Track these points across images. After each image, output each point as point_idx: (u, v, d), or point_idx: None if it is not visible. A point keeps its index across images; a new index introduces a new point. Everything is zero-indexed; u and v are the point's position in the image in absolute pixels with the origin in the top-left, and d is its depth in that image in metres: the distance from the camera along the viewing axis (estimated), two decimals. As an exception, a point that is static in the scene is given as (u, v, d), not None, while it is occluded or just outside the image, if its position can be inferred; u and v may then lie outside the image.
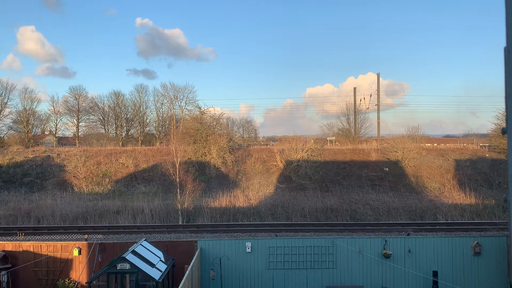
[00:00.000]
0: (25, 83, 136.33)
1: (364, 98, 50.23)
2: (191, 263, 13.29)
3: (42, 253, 15.67)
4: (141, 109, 70.67)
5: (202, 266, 15.33)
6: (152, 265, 12.81)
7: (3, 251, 15.56)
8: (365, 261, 15.58)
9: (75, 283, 15.45)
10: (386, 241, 15.73)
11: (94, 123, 65.64)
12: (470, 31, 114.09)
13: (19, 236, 18.39)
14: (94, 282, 13.34)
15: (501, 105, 41.19)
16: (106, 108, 69.11)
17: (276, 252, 15.58)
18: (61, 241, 16.89)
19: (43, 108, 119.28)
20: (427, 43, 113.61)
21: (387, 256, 15.45)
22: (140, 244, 13.88)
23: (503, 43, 1.91)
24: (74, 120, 63.29)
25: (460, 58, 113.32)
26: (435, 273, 15.16)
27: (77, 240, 17.30)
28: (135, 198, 30.29)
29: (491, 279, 15.56)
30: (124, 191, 32.71)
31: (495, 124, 41.00)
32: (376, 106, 45.41)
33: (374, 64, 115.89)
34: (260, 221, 25.54)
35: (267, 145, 42.49)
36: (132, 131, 67.42)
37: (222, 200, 28.80)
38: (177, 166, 27.10)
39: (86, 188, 33.04)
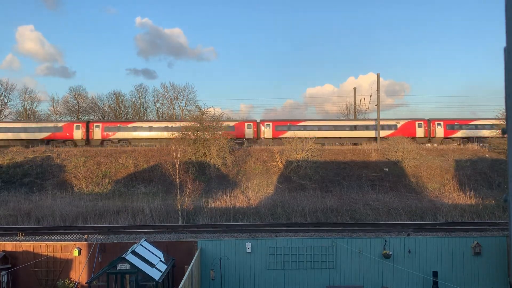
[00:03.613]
0: (24, 83, 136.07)
1: (364, 98, 50.23)
2: (191, 263, 13.29)
3: (42, 253, 15.67)
4: (141, 109, 70.83)
5: (202, 266, 15.33)
6: (152, 265, 12.81)
7: (3, 251, 15.55)
8: (365, 261, 15.58)
9: (75, 284, 15.45)
10: (386, 241, 15.73)
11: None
12: (470, 31, 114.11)
13: (19, 236, 18.39)
14: (94, 282, 13.34)
15: (501, 105, 41.18)
16: (106, 108, 69.29)
17: (276, 252, 15.58)
18: (61, 241, 16.89)
19: (43, 108, 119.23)
20: (428, 43, 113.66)
21: (387, 256, 15.45)
22: (140, 245, 13.88)
23: (503, 43, 1.91)
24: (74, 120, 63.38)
25: (461, 59, 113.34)
26: (435, 273, 15.16)
27: (77, 240, 17.30)
28: (135, 198, 30.28)
29: (491, 279, 15.56)
30: (124, 191, 32.69)
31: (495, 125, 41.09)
32: (376, 106, 45.38)
33: (374, 64, 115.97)
34: (260, 221, 25.53)
35: (267, 145, 42.47)
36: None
37: (222, 200, 28.79)
38: (177, 166, 27.10)
39: (86, 188, 33.04)
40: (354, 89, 62.48)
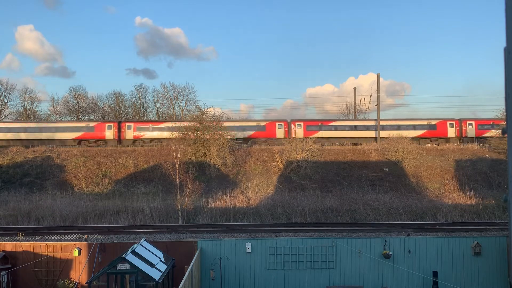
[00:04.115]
0: (24, 83, 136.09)
1: (364, 98, 50.28)
2: (191, 264, 13.29)
3: (42, 253, 15.67)
4: (141, 110, 70.82)
5: (202, 267, 15.33)
6: (152, 265, 12.81)
7: (3, 251, 15.56)
8: (365, 261, 15.58)
9: (75, 284, 15.45)
10: (386, 241, 15.73)
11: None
12: (470, 31, 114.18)
13: (19, 236, 18.38)
14: (94, 282, 13.34)
15: (501, 105, 41.22)
16: (106, 108, 69.25)
17: (276, 252, 15.58)
18: (61, 241, 16.89)
19: (43, 108, 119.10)
20: (428, 43, 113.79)
21: (387, 257, 15.45)
22: (140, 245, 13.89)
23: (503, 43, 1.91)
24: (74, 120, 63.31)
25: (461, 59, 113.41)
26: (435, 274, 15.16)
27: (77, 240, 17.30)
28: (135, 198, 30.27)
29: (491, 279, 15.56)
30: (124, 191, 32.68)
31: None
32: (376, 106, 45.43)
33: (374, 64, 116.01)
34: (260, 221, 25.53)
35: (267, 145, 42.46)
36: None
37: (222, 200, 28.78)
38: (177, 166, 27.09)
39: (86, 188, 33.03)
40: (354, 89, 62.56)
